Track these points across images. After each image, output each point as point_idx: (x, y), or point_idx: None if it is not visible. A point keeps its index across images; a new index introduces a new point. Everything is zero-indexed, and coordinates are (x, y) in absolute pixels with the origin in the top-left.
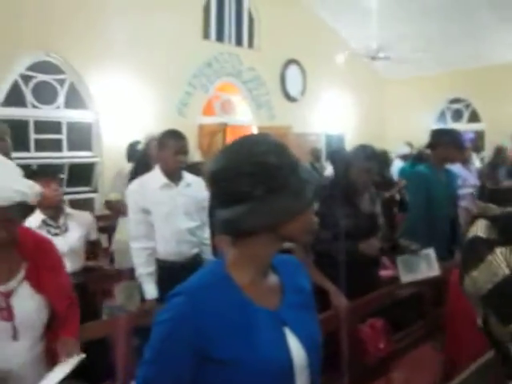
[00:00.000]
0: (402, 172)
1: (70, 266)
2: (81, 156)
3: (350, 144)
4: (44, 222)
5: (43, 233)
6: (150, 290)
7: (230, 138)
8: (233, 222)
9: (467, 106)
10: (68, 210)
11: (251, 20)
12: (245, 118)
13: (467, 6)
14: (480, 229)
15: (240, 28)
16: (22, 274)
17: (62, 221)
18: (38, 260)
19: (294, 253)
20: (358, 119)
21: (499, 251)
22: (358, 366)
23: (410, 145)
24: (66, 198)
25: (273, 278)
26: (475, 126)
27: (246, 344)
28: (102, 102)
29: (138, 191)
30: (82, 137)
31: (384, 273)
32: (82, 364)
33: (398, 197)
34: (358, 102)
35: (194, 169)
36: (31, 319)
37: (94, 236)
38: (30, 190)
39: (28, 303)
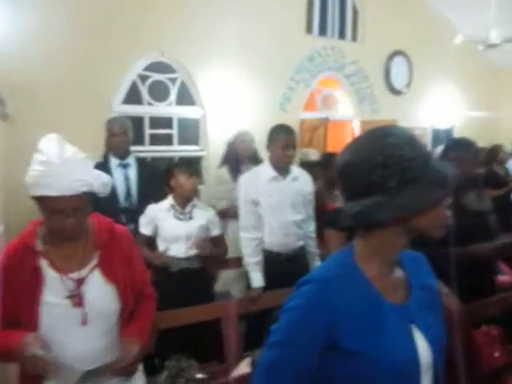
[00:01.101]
0: None
1: (187, 250)
2: (189, 150)
3: None
4: (172, 207)
5: (170, 216)
6: (257, 279)
7: (332, 133)
8: (363, 215)
9: None
10: (196, 201)
11: (355, 12)
12: (347, 112)
13: None
14: None
15: (343, 21)
16: (94, 262)
17: (188, 209)
18: (112, 249)
19: None
20: (469, 112)
21: None
22: (470, 373)
23: None
24: None
25: (399, 273)
26: None
27: (374, 337)
28: (209, 99)
29: (249, 182)
30: (190, 132)
31: (502, 279)
32: (193, 342)
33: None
34: (469, 95)
35: (307, 166)
36: (101, 307)
37: (216, 231)
38: (97, 180)
39: (99, 291)
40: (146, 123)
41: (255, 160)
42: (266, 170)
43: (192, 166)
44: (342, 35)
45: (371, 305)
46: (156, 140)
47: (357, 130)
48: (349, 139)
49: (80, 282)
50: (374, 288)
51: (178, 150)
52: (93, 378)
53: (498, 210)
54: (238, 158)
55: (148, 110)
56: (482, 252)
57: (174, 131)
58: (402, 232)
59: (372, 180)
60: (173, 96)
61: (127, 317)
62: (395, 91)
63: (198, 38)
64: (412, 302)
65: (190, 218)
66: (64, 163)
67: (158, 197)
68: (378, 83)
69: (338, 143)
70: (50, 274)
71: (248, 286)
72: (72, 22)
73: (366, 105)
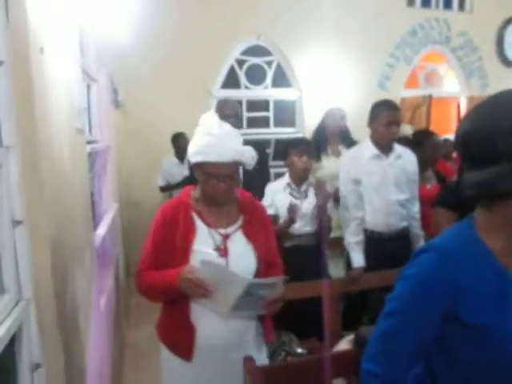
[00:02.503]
0: None
1: (301, 227)
2: (285, 132)
3: None
4: (288, 185)
5: (286, 194)
6: (358, 259)
7: (436, 111)
8: (487, 184)
9: None
10: (311, 178)
11: None
12: (453, 88)
13: None
14: None
15: None
16: (239, 223)
17: (304, 187)
18: (253, 216)
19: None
20: None
21: None
22: None
23: None
24: (272, 171)
25: None
26: None
27: (497, 312)
28: (305, 80)
29: (350, 161)
30: (286, 114)
31: None
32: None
33: None
34: None
35: (404, 141)
36: (242, 261)
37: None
38: (248, 152)
39: (241, 247)
40: (244, 106)
41: (345, 139)
42: (367, 147)
43: (303, 144)
44: (447, 5)
45: (494, 279)
46: (253, 123)
47: (464, 107)
48: (455, 117)
49: (226, 237)
50: (499, 262)
51: (274, 133)
52: (255, 290)
53: None
54: (325, 136)
55: (245, 93)
56: None
57: (271, 113)
58: None
59: (498, 147)
60: (269, 79)
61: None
62: (509, 63)
63: (294, 20)
64: None
65: (306, 196)
66: (223, 135)
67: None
68: (488, 55)
69: (442, 122)
70: (200, 227)
71: (348, 266)
72: (173, 12)
73: (475, 79)
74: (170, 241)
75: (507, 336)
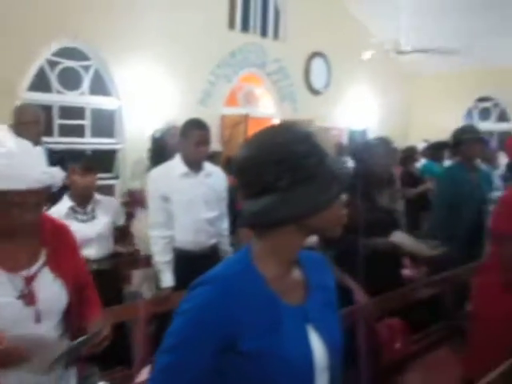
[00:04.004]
0: (428, 170)
1: (97, 251)
2: (104, 142)
3: None
4: (72, 209)
5: (70, 220)
6: (167, 279)
7: (252, 130)
8: (260, 214)
9: (495, 105)
10: (97, 196)
11: (277, 11)
12: (268, 109)
13: (496, 3)
14: None
15: (265, 18)
16: (42, 258)
17: (90, 207)
18: (57, 244)
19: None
20: (382, 115)
21: None
22: (374, 365)
23: (428, 142)
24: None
25: (298, 273)
26: (504, 126)
27: (270, 339)
28: (126, 90)
29: (160, 178)
30: (105, 123)
31: (405, 272)
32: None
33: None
34: (383, 98)
35: (212, 158)
36: (53, 302)
37: (121, 221)
38: (58, 173)
39: (50, 287)
40: (56, 112)
41: None
42: (177, 165)
43: (86, 160)
44: (264, 33)
45: (266, 306)
46: (67, 131)
47: None
48: None
49: (30, 280)
50: (271, 289)
51: (90, 143)
52: (75, 352)
53: (416, 208)
54: (167, 154)
55: (57, 98)
56: (379, 246)
57: (87, 122)
58: (299, 232)
59: (266, 178)
60: (86, 85)
61: (75, 307)
62: (314, 91)
63: (117, 26)
64: (310, 303)
65: (94, 217)
66: (26, 154)
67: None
68: (298, 82)
69: None
70: None
71: (158, 287)
72: None
73: (287, 103)
74: None
75: (281, 362)
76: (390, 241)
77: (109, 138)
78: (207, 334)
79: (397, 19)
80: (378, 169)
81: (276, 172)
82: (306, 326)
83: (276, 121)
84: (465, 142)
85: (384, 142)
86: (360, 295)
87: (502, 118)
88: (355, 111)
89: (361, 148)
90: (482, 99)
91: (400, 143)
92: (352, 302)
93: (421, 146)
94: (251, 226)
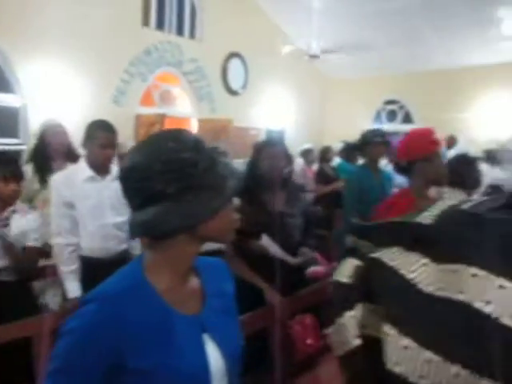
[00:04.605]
0: (342, 169)
1: (4, 262)
2: (6, 143)
3: (289, 139)
4: None
5: None
6: (73, 288)
7: None
8: (149, 225)
9: (401, 107)
10: (19, 205)
11: (193, 9)
12: (185, 109)
13: (405, 12)
14: (347, 271)
15: (181, 17)
16: None
17: (4, 215)
18: None
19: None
20: (298, 116)
21: (350, 314)
22: (287, 362)
23: (344, 143)
24: None
25: (194, 282)
26: (408, 127)
27: (162, 352)
28: (31, 88)
29: (62, 183)
30: (8, 122)
31: (315, 270)
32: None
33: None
34: (300, 99)
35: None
36: None
37: (31, 241)
38: None
39: None
40: None
41: (70, 156)
42: (82, 169)
43: (10, 164)
44: (180, 31)
45: (160, 320)
46: None
47: (195, 127)
48: None
49: None
50: (163, 301)
51: None
52: None
53: (329, 205)
54: (48, 154)
55: None
56: (256, 249)
57: None
58: (192, 240)
59: (153, 187)
60: None
61: None
62: (232, 91)
63: (18, 21)
64: (206, 311)
65: (6, 225)
66: None
67: None
68: (215, 83)
69: None
70: None
71: (65, 298)
72: None
73: (205, 103)
74: None
75: (174, 375)
76: (260, 244)
77: (12, 137)
78: (93, 357)
79: (310, 24)
80: (265, 172)
81: (163, 181)
82: (201, 336)
83: (193, 120)
84: (370, 143)
85: (269, 145)
86: (272, 295)
87: (407, 119)
88: (272, 111)
89: (252, 151)
90: (389, 102)
91: (316, 143)
92: (265, 303)
93: (337, 146)
94: (141, 236)
